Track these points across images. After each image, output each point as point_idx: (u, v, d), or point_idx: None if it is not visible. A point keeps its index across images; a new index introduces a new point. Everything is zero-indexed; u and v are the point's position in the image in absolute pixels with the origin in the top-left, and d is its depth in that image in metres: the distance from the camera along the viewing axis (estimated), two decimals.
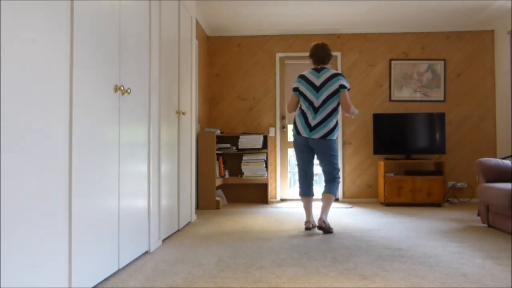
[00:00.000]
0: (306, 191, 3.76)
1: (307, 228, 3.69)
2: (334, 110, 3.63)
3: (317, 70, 3.71)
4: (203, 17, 5.54)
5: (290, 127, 6.09)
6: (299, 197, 3.81)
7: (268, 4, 5.08)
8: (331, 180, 3.72)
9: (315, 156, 3.78)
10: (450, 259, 2.69)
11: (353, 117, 3.80)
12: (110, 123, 2.29)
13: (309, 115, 3.64)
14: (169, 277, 2.32)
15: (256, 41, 6.12)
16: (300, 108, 3.74)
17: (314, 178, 3.90)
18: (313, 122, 3.62)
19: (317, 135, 3.59)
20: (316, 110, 3.62)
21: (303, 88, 3.70)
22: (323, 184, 3.78)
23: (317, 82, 3.64)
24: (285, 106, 6.04)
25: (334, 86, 3.60)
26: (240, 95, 6.11)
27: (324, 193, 3.71)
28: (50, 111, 1.73)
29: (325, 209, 3.65)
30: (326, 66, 3.75)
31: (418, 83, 5.95)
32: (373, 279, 2.27)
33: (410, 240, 3.29)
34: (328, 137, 3.60)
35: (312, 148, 3.68)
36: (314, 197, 3.81)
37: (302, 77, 3.75)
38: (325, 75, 3.65)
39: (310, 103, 3.65)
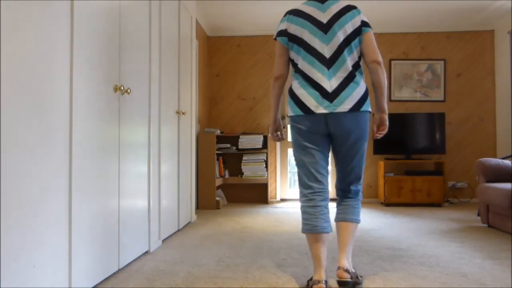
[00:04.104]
0: (317, 221, 2.09)
1: None
2: (358, 63, 2.14)
3: (320, 0, 2.16)
4: (203, 17, 5.54)
5: (290, 128, 6.06)
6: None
7: (268, 4, 5.08)
8: (353, 192, 2.22)
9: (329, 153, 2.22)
10: (450, 259, 2.69)
11: (382, 79, 2.12)
12: (110, 123, 2.29)
13: (317, 73, 2.08)
14: (169, 277, 2.32)
15: (256, 41, 6.12)
16: (297, 68, 2.16)
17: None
18: (330, 85, 2.06)
19: (346, 104, 2.04)
20: (328, 63, 2.08)
21: (297, 30, 2.12)
22: (337, 202, 2.27)
23: (323, 18, 2.10)
24: (286, 106, 6.03)
25: (353, 23, 2.10)
26: (240, 95, 6.11)
27: (345, 220, 2.17)
28: (50, 111, 1.73)
29: (346, 246, 2.13)
30: None
31: (418, 83, 5.95)
32: (373, 279, 2.27)
33: (410, 240, 3.29)
34: (363, 107, 2.07)
35: (331, 135, 2.12)
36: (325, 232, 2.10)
37: (294, 13, 2.16)
38: (334, 7, 2.12)
39: (315, 52, 2.10)
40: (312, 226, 2.09)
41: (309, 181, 2.13)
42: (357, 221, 2.17)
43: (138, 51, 2.72)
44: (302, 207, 2.17)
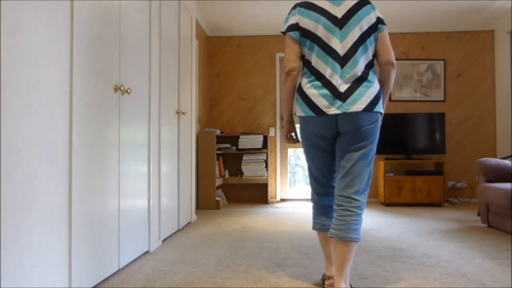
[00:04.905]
0: (326, 221, 2.15)
1: None
2: (372, 62, 2.04)
3: None
4: (203, 17, 5.54)
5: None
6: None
7: (268, 4, 5.08)
8: (355, 203, 1.96)
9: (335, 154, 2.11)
10: (450, 259, 2.69)
11: (392, 81, 2.08)
12: (110, 123, 2.29)
13: (330, 72, 1.97)
14: (169, 277, 2.32)
15: (256, 41, 6.11)
16: (309, 66, 2.04)
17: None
18: (343, 84, 1.95)
19: (360, 103, 1.92)
20: (342, 60, 1.97)
21: (311, 24, 2.01)
22: (334, 210, 2.03)
23: (338, 12, 2.00)
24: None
25: (368, 19, 2.00)
26: (240, 95, 6.11)
27: (342, 237, 1.93)
28: (50, 111, 1.73)
29: (344, 268, 1.93)
30: None
31: (418, 83, 5.95)
32: (373, 279, 2.27)
33: (410, 240, 3.29)
34: (376, 108, 1.96)
35: (340, 135, 2.01)
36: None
37: (306, 6, 2.05)
38: (349, 1, 2.03)
39: (329, 49, 1.99)
40: (321, 224, 2.15)
41: (318, 182, 2.16)
42: (356, 239, 1.93)
43: (138, 51, 2.72)
44: (313, 205, 2.22)
